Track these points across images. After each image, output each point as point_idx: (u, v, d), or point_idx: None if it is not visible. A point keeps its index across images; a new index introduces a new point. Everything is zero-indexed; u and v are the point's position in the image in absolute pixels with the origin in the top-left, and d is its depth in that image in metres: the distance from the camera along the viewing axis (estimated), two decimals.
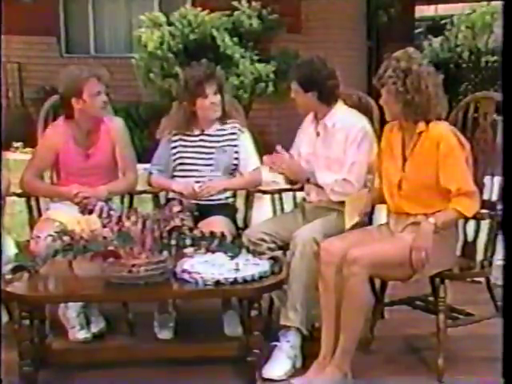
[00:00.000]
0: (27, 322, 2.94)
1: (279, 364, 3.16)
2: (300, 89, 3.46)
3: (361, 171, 3.42)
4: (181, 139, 3.80)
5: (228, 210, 3.75)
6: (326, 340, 3.07)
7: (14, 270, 3.02)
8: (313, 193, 3.56)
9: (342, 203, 3.38)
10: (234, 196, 3.91)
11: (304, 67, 3.50)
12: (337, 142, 3.46)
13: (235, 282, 2.87)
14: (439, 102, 3.09)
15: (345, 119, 3.49)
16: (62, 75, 3.72)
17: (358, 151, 3.41)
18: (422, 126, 3.08)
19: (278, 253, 3.31)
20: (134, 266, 2.85)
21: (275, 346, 3.22)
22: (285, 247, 3.40)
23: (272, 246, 3.38)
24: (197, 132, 3.80)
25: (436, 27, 15.17)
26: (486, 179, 3.33)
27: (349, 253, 2.97)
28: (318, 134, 3.54)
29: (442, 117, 3.12)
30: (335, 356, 3.01)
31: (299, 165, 3.53)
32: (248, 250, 3.15)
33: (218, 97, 3.72)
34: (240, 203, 3.89)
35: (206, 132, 3.79)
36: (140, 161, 3.93)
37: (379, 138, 3.39)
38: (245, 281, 2.88)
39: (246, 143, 3.83)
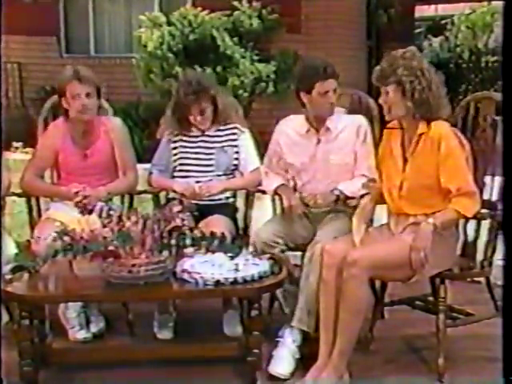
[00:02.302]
0: (27, 321, 2.93)
1: (283, 361, 3.16)
2: None
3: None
4: (181, 140, 3.80)
5: (228, 210, 3.74)
6: (324, 341, 3.06)
7: (14, 270, 3.02)
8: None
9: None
10: (234, 196, 3.91)
11: None
12: (345, 144, 3.47)
13: (235, 281, 2.87)
14: (447, 101, 3.10)
15: (345, 120, 3.51)
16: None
17: (371, 148, 3.44)
18: (423, 127, 3.08)
19: (289, 254, 3.36)
20: (134, 265, 2.85)
21: (278, 342, 3.24)
22: (294, 249, 3.42)
23: (284, 248, 3.38)
24: (197, 133, 3.80)
25: (436, 27, 15.17)
26: (486, 179, 3.33)
27: (349, 254, 2.97)
28: (318, 142, 3.51)
29: (445, 117, 3.12)
30: (332, 357, 3.00)
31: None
32: (255, 251, 3.20)
33: (206, 113, 3.70)
34: (240, 203, 3.89)
35: (206, 133, 3.79)
36: (140, 161, 3.93)
37: (379, 138, 3.38)
38: (245, 281, 2.88)
39: (246, 143, 3.82)
